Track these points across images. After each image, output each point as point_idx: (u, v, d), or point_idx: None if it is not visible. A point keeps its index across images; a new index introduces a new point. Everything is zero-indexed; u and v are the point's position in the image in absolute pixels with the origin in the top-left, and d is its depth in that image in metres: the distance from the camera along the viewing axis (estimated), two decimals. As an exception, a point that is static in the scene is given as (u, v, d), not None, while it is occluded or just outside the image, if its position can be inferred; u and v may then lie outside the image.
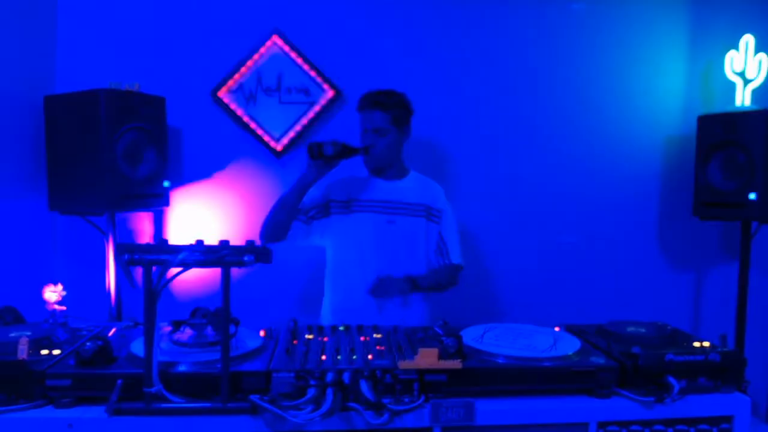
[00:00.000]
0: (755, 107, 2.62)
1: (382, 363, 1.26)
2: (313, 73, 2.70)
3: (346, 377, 1.20)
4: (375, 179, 2.11)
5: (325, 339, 1.44)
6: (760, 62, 2.69)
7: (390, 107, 2.02)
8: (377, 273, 2.00)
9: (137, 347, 1.29)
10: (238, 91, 2.70)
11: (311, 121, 2.71)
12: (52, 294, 1.50)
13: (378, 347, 1.37)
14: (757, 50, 2.71)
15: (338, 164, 1.94)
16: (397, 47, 2.76)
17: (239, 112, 2.70)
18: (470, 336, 1.43)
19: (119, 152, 2.24)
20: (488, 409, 1.24)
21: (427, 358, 1.23)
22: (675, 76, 2.87)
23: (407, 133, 2.10)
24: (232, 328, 1.30)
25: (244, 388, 1.20)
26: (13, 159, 2.36)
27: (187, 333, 1.36)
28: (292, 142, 2.73)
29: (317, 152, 1.88)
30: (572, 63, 2.83)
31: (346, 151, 1.91)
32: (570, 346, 1.38)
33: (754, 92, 2.71)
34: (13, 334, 1.33)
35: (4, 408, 1.17)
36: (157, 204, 2.48)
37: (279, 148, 2.74)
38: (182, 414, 1.18)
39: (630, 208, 2.91)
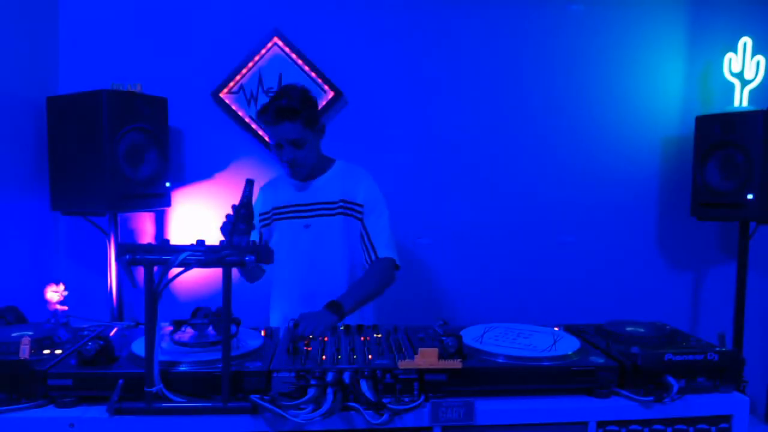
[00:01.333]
0: (753, 108, 2.63)
1: (382, 363, 1.27)
2: (313, 74, 2.71)
3: (346, 377, 1.21)
4: (289, 182, 1.95)
5: (325, 339, 1.45)
6: (758, 63, 2.70)
7: (299, 114, 1.78)
8: (302, 281, 1.90)
9: (138, 347, 1.30)
10: (239, 92, 2.71)
11: (311, 122, 2.72)
12: (54, 294, 1.51)
13: (378, 347, 1.38)
14: (754, 52, 2.72)
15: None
16: (397, 48, 2.77)
17: (240, 112, 2.71)
18: (470, 336, 1.43)
19: (121, 153, 2.25)
20: (488, 409, 1.24)
21: (427, 357, 1.23)
22: (673, 77, 2.88)
23: (322, 130, 1.90)
24: (233, 328, 1.31)
25: (245, 387, 1.21)
26: (16, 159, 2.37)
27: (188, 333, 1.37)
28: (293, 142, 2.74)
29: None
30: (571, 64, 2.84)
31: (249, 217, 1.68)
32: (569, 345, 1.38)
33: (752, 93, 2.72)
34: (15, 334, 1.34)
35: (5, 407, 1.18)
36: (159, 204, 2.49)
37: (279, 148, 2.74)
38: (183, 414, 1.18)
39: (628, 208, 2.92)
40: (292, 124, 1.79)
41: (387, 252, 1.87)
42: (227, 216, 1.67)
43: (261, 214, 1.97)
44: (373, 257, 1.87)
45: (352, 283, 1.86)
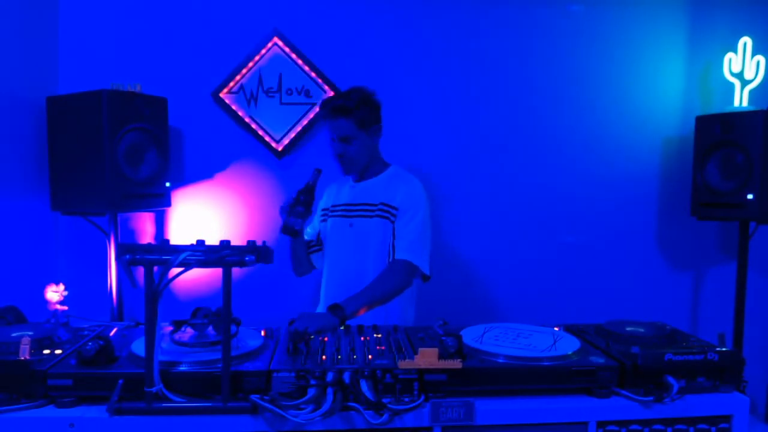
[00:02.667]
0: (753, 108, 2.63)
1: (382, 363, 1.27)
2: (313, 74, 2.71)
3: (346, 377, 1.21)
4: (348, 182, 2.05)
5: (326, 339, 1.45)
6: (758, 63, 2.70)
7: (352, 112, 1.87)
8: (340, 278, 1.96)
9: (138, 347, 1.30)
10: (239, 92, 2.71)
11: (312, 122, 2.72)
12: (54, 294, 1.51)
13: (378, 347, 1.38)
14: (754, 52, 2.71)
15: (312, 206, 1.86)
16: (398, 48, 2.77)
17: (240, 112, 2.71)
18: (470, 336, 1.43)
19: (121, 153, 2.25)
20: (488, 409, 1.24)
21: (427, 357, 1.23)
22: (673, 77, 2.88)
23: (378, 132, 1.98)
24: (233, 328, 1.31)
25: (245, 387, 1.21)
26: (16, 159, 2.37)
27: (188, 333, 1.37)
28: (293, 142, 2.74)
29: (292, 232, 1.80)
30: (571, 64, 2.84)
31: (309, 203, 1.80)
32: (569, 345, 1.39)
33: (752, 93, 2.72)
34: (15, 334, 1.34)
35: (5, 407, 1.18)
36: (159, 204, 2.49)
37: (280, 148, 2.74)
38: (183, 413, 1.19)
39: (629, 208, 2.92)
40: (345, 121, 1.89)
41: (405, 255, 1.86)
42: (289, 198, 1.81)
43: (322, 210, 2.09)
44: (390, 258, 1.89)
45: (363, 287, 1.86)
